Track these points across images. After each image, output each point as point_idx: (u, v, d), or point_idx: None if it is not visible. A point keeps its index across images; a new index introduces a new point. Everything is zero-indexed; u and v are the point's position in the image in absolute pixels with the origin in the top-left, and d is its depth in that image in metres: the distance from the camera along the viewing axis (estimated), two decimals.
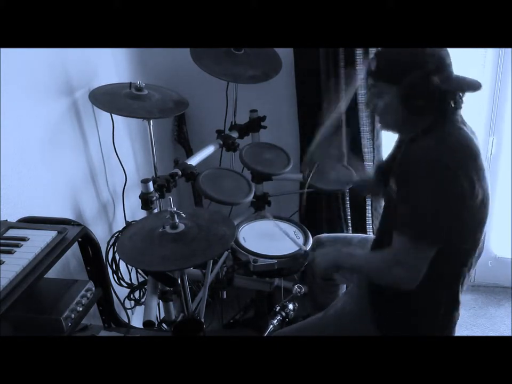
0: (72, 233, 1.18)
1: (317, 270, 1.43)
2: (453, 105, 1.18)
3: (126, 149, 2.00)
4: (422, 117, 1.19)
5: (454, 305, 1.30)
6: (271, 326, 1.57)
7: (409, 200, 1.16)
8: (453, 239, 1.18)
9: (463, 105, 1.21)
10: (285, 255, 1.57)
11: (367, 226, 2.29)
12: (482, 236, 1.25)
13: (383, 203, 1.37)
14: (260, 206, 2.15)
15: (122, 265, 1.79)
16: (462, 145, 1.15)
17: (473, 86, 1.17)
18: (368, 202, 2.26)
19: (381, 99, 1.21)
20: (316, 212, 2.33)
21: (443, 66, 1.14)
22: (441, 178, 1.11)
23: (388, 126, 1.31)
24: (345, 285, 1.76)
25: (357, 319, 1.38)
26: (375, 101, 1.23)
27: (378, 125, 1.50)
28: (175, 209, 1.25)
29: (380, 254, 1.25)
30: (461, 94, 1.19)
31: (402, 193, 1.18)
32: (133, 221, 1.75)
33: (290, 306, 1.66)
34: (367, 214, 2.28)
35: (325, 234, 1.78)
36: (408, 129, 1.27)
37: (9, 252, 1.06)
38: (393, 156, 1.39)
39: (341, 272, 1.44)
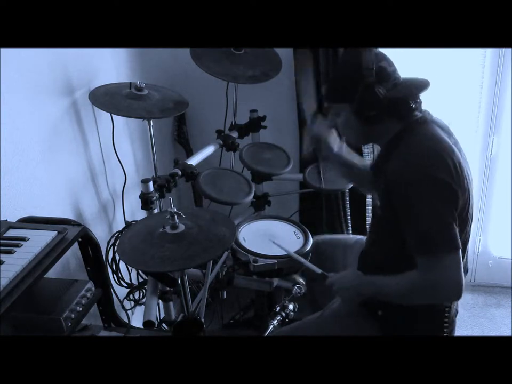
0: (72, 233, 1.18)
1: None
2: (410, 107, 1.22)
3: (126, 149, 2.00)
4: (383, 125, 1.24)
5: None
6: (271, 326, 1.57)
7: (411, 221, 1.17)
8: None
9: (420, 106, 1.25)
10: (285, 255, 1.57)
11: (367, 226, 2.29)
12: (470, 228, 1.27)
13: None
14: (260, 206, 2.15)
15: (122, 265, 1.78)
16: (434, 149, 1.17)
17: (421, 86, 1.23)
18: (368, 202, 2.26)
19: (339, 118, 1.30)
20: (316, 212, 2.33)
21: (385, 75, 1.20)
22: (426, 188, 1.13)
23: (353, 141, 1.39)
24: None
25: (354, 318, 1.38)
26: (335, 120, 1.32)
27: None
28: (175, 209, 1.25)
29: (410, 280, 1.20)
30: (413, 96, 1.23)
31: (401, 216, 1.18)
32: (133, 221, 1.75)
33: (291, 306, 1.66)
34: (367, 214, 2.28)
35: (322, 236, 1.78)
36: (375, 140, 1.34)
37: (9, 252, 1.06)
38: (377, 164, 1.39)
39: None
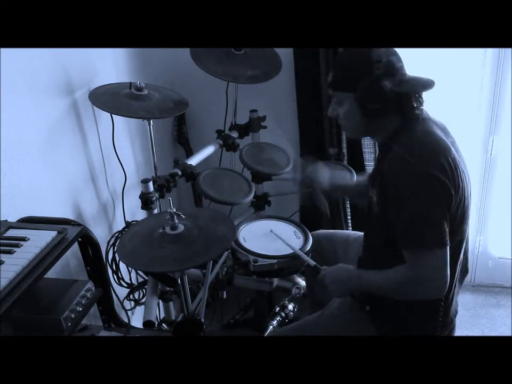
0: (72, 233, 1.18)
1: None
2: (412, 105, 1.22)
3: (126, 149, 2.00)
4: (384, 120, 1.25)
5: (450, 301, 1.31)
6: (271, 326, 1.58)
7: (400, 214, 1.17)
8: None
9: (422, 104, 1.25)
10: (285, 255, 1.57)
11: None
12: (467, 226, 1.27)
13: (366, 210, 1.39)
14: (260, 206, 2.15)
15: (122, 265, 1.78)
16: (431, 145, 1.19)
17: (426, 85, 1.23)
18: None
19: (341, 107, 1.28)
20: (315, 212, 2.32)
21: (393, 70, 1.19)
22: (419, 183, 1.14)
23: (352, 132, 1.39)
24: None
25: (353, 319, 1.38)
26: (337, 109, 1.30)
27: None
28: (175, 210, 1.25)
29: (397, 274, 1.22)
30: (417, 94, 1.24)
31: (391, 209, 1.20)
32: (133, 221, 1.75)
33: (290, 306, 1.66)
34: None
35: (322, 231, 1.78)
36: (373, 133, 1.33)
37: (9, 252, 1.06)
38: (375, 163, 1.42)
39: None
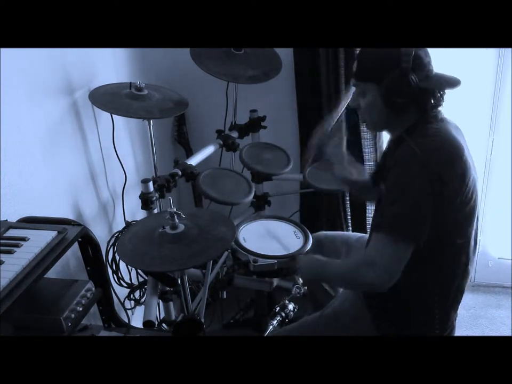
0: (72, 233, 1.18)
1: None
2: (433, 102, 1.21)
3: (126, 149, 2.00)
4: (404, 115, 1.23)
5: (451, 304, 1.31)
6: (271, 326, 1.57)
7: (392, 199, 1.17)
8: (444, 236, 1.19)
9: (443, 102, 1.23)
10: (285, 255, 1.57)
11: (367, 226, 2.29)
12: (474, 230, 1.26)
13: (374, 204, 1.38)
14: (260, 206, 2.15)
15: (122, 265, 1.79)
16: (446, 145, 1.18)
17: (452, 83, 1.21)
18: (368, 202, 2.26)
19: (364, 98, 1.25)
20: (316, 212, 2.33)
21: (420, 65, 1.17)
22: (426, 180, 1.13)
23: (372, 125, 1.36)
24: None
25: (353, 318, 1.38)
26: (359, 101, 1.27)
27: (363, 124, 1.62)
28: (175, 209, 1.25)
29: (353, 257, 1.24)
30: (441, 92, 1.22)
31: (387, 193, 1.19)
32: (133, 221, 1.75)
33: (290, 306, 1.65)
34: (367, 214, 2.28)
35: (324, 232, 1.78)
36: (391, 128, 1.31)
37: (9, 252, 1.06)
38: (383, 158, 1.41)
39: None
